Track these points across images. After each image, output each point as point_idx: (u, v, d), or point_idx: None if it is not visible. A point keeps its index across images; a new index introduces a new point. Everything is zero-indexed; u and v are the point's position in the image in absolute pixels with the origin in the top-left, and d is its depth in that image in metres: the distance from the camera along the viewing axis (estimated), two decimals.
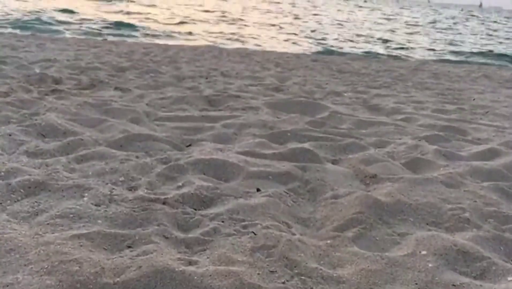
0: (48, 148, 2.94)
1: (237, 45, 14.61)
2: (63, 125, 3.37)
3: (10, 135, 3.06)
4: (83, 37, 12.42)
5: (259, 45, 15.14)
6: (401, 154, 3.30)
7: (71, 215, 2.10)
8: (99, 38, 12.18)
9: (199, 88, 5.61)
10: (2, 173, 2.45)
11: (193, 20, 20.65)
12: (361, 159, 3.12)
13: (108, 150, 2.95)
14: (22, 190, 2.32)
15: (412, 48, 18.00)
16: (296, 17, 28.17)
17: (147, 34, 14.78)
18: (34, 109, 3.87)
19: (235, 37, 16.70)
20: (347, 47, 16.79)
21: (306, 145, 3.33)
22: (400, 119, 4.57)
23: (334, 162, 3.19)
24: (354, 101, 5.52)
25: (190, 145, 3.31)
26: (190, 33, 16.09)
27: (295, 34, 19.40)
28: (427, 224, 2.31)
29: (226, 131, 3.68)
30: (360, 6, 56.57)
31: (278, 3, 43.89)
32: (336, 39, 18.94)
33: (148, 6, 25.46)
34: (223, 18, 23.07)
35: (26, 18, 14.32)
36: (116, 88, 5.18)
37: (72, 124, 3.51)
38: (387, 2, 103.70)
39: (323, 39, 18.59)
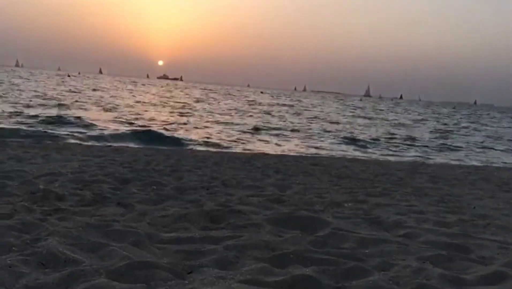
0: (47, 281, 2.91)
1: (237, 148, 14.98)
2: (64, 253, 3.36)
3: (10, 267, 3.04)
4: (89, 143, 12.80)
5: (259, 148, 15.53)
6: (406, 279, 3.25)
7: None
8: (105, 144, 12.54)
9: (200, 201, 5.65)
10: None
11: (188, 123, 21.40)
12: (365, 287, 3.07)
13: (107, 283, 2.91)
14: None
15: (406, 147, 18.42)
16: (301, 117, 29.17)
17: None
18: (36, 233, 3.87)
19: (232, 139, 17.19)
20: (342, 148, 17.21)
21: (308, 270, 3.29)
22: (402, 235, 4.54)
23: None
24: (354, 213, 5.53)
25: (191, 272, 3.27)
26: (189, 138, 16.55)
27: (296, 137, 19.94)
28: None
29: (228, 254, 3.65)
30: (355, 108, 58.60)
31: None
32: (333, 139, 19.46)
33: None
34: (218, 121, 23.92)
35: None
36: (118, 204, 5.22)
37: (73, 249, 3.50)
38: (383, 102, 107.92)
39: (320, 139, 19.12)
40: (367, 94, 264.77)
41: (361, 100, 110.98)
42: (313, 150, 16.14)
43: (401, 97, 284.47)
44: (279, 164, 10.51)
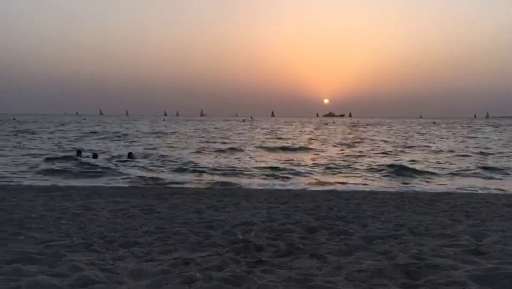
0: None
1: (415, 187, 14.32)
2: None
3: None
4: (270, 187, 13.61)
5: (440, 184, 14.67)
6: None
7: None
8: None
9: (391, 252, 5.56)
10: None
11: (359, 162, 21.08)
12: None
13: None
14: None
15: None
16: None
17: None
18: (246, 286, 4.26)
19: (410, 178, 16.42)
20: None
21: None
22: None
23: None
24: None
25: None
26: (363, 177, 16.39)
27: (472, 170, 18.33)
28: None
29: None
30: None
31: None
32: None
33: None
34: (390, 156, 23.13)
35: None
36: (311, 256, 5.44)
37: None
38: None
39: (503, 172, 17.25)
40: None
41: None
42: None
43: None
44: (467, 206, 9.75)
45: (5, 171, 16.32)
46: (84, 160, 19.53)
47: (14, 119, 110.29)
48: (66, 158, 20.13)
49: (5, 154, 22.73)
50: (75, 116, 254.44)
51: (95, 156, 20.58)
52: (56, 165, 17.66)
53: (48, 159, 19.86)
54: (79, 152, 21.54)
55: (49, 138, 37.42)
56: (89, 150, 24.26)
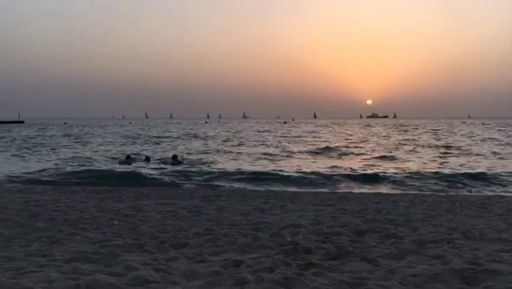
0: None
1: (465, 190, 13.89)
2: None
3: None
4: (314, 189, 13.54)
5: (492, 187, 14.18)
6: None
7: None
8: None
9: (445, 257, 5.40)
10: None
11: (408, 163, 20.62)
12: None
13: None
14: None
15: None
16: None
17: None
18: None
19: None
20: None
21: None
22: None
23: None
24: None
25: None
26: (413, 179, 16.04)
27: None
28: None
29: None
30: None
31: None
32: None
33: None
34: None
35: None
36: (362, 259, 5.37)
37: None
38: None
39: None
40: None
41: None
42: None
43: None
44: None
45: (55, 174, 16.99)
46: (134, 163, 20.10)
47: (65, 123, 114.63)
48: (115, 161, 20.77)
49: (53, 158, 23.67)
50: (121, 119, 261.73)
51: (147, 159, 21.06)
52: (106, 168, 18.23)
53: (97, 162, 20.54)
54: (128, 156, 22.14)
55: (97, 142, 38.68)
56: (134, 154, 24.84)
